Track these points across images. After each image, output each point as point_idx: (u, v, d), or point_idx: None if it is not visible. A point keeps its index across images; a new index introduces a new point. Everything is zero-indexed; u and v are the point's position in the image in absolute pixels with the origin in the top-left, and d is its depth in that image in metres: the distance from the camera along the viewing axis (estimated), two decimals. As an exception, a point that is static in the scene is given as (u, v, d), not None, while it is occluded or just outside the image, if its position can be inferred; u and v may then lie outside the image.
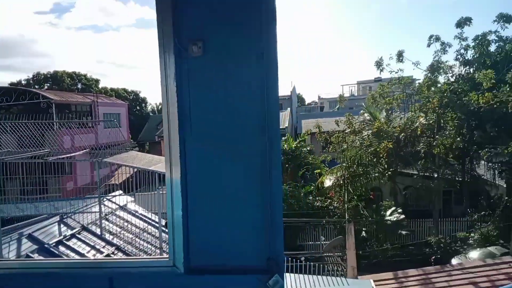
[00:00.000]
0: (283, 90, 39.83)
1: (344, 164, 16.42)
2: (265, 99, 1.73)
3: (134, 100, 48.92)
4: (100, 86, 45.91)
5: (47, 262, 2.25)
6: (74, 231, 7.18)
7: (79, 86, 44.26)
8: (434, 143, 14.97)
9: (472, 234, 13.26)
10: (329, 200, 16.92)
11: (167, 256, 1.90)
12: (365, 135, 17.36)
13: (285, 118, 30.76)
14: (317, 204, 16.83)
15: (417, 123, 16.13)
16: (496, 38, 16.87)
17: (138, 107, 49.85)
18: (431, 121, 16.17)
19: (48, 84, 41.88)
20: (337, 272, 9.32)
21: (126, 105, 34.64)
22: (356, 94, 46.73)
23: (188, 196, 1.80)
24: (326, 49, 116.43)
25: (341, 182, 16.19)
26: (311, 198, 17.54)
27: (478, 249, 10.18)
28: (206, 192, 1.80)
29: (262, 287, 1.75)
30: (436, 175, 15.86)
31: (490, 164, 17.34)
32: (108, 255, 6.75)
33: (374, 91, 20.31)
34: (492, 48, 17.10)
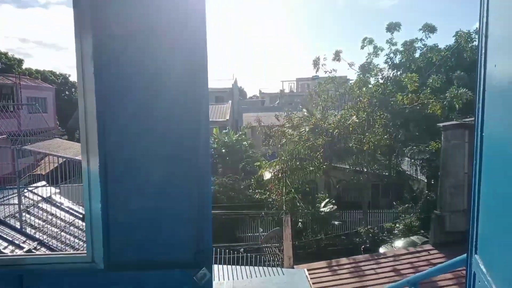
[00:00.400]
0: (225, 82, 39.63)
1: (283, 158, 16.81)
2: (194, 80, 1.61)
3: (63, 84, 45.27)
4: (24, 67, 41.68)
5: None
6: (-12, 225, 6.41)
7: (-2, 65, 39.79)
8: (364, 140, 15.89)
9: (397, 225, 14.34)
10: (268, 193, 17.25)
11: (85, 251, 1.73)
12: (303, 131, 17.92)
13: (226, 111, 30.65)
14: (257, 196, 17.07)
15: (350, 121, 16.99)
16: (422, 46, 18.39)
17: (67, 92, 46.24)
18: (362, 120, 17.15)
19: (-41, 62, 37.08)
20: (274, 262, 9.54)
21: (54, 89, 32.00)
22: (295, 91, 48.05)
23: (108, 186, 1.64)
24: (267, 45, 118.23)
25: (280, 175, 16.55)
26: (251, 190, 17.73)
27: (402, 238, 11.05)
28: (128, 182, 1.66)
29: (189, 281, 1.67)
30: (365, 170, 16.88)
31: (413, 160, 18.93)
32: (29, 251, 6.15)
33: (311, 89, 21.08)
34: (417, 54, 18.62)
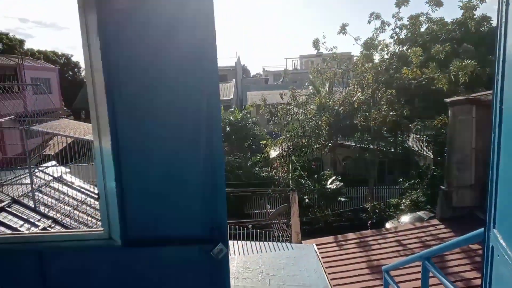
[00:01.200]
0: (228, 61, 39.17)
1: (288, 136, 16.82)
2: (202, 57, 1.59)
3: (65, 65, 44.93)
4: (26, 47, 41.31)
5: None
6: (3, 204, 6.52)
7: (0, 46, 39.46)
8: (370, 117, 15.80)
9: (403, 201, 14.44)
10: (274, 171, 17.36)
11: (102, 229, 1.77)
12: (308, 108, 17.83)
13: (230, 90, 30.45)
14: (263, 174, 17.21)
15: (355, 98, 16.85)
16: (426, 19, 17.95)
17: (70, 72, 45.97)
18: (367, 96, 16.99)
19: (-40, 43, 36.78)
20: (283, 238, 9.70)
21: (57, 70, 31.78)
22: (299, 68, 47.45)
23: (122, 165, 1.65)
24: (270, 22, 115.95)
25: (286, 153, 16.60)
26: (257, 168, 17.86)
27: (408, 213, 11.13)
28: (141, 160, 1.66)
29: (205, 256, 1.71)
30: (371, 147, 16.86)
31: (418, 136, 18.85)
32: (44, 229, 6.30)
33: (315, 66, 20.83)
34: (423, 28, 18.20)
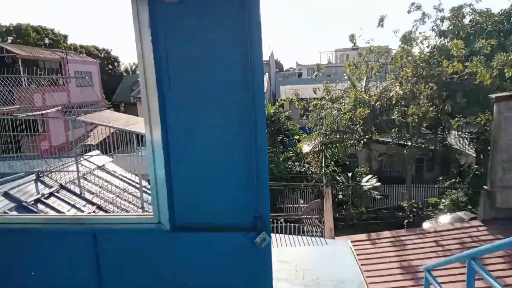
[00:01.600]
0: (262, 54, 39.03)
1: (321, 131, 16.63)
2: (248, 51, 1.60)
3: (105, 59, 46.64)
4: (69, 42, 43.26)
5: (26, 218, 2.17)
6: (52, 189, 6.96)
7: (46, 41, 41.55)
8: (408, 112, 15.30)
9: (443, 200, 13.93)
10: (307, 166, 17.25)
11: (152, 213, 1.86)
12: (343, 103, 17.54)
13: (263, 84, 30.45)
14: (296, 169, 17.15)
15: (392, 93, 16.37)
16: (470, 11, 17.02)
17: (110, 66, 47.69)
18: (405, 91, 16.44)
19: (12, 38, 39.06)
20: (315, 233, 9.66)
21: (98, 64, 33.06)
22: (333, 62, 46.63)
23: (171, 154, 1.73)
24: (304, 15, 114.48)
25: (319, 148, 16.44)
26: (290, 163, 17.82)
27: (448, 214, 10.73)
28: (189, 151, 1.73)
29: (248, 244, 1.75)
30: (409, 143, 16.36)
31: (460, 133, 18.04)
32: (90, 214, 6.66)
33: (351, 59, 20.38)
34: (466, 20, 17.29)
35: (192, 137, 1.72)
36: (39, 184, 7.10)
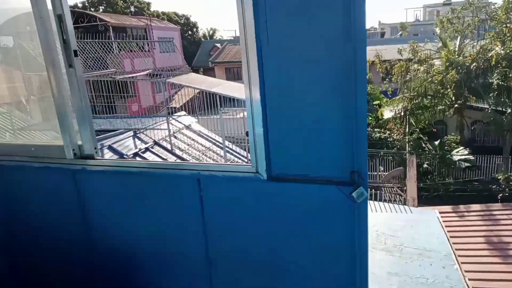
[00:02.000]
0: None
1: (406, 95, 15.58)
2: (350, 2, 1.53)
3: (185, 25, 48.34)
4: (152, 9, 45.50)
5: (142, 162, 2.45)
6: (148, 145, 7.77)
7: (132, 9, 44.22)
8: (510, 75, 13.53)
9: (547, 174, 12.43)
10: (388, 132, 16.45)
11: (251, 164, 1.94)
12: (432, 65, 16.09)
13: (342, 45, 29.11)
14: (376, 135, 16.46)
15: (492, 53, 14.52)
16: None
17: (189, 32, 49.38)
18: (509, 51, 14.46)
19: (103, 7, 42.26)
20: (396, 202, 9.30)
21: (179, 30, 34.37)
22: (421, 19, 42.51)
23: (268, 111, 1.77)
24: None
25: (403, 114, 15.48)
26: (369, 129, 17.19)
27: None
28: (286, 106, 1.74)
29: (343, 197, 1.73)
30: (509, 110, 14.61)
31: None
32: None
33: (442, 16, 18.36)
34: None
35: (289, 93, 1.73)
36: (136, 140, 7.91)
